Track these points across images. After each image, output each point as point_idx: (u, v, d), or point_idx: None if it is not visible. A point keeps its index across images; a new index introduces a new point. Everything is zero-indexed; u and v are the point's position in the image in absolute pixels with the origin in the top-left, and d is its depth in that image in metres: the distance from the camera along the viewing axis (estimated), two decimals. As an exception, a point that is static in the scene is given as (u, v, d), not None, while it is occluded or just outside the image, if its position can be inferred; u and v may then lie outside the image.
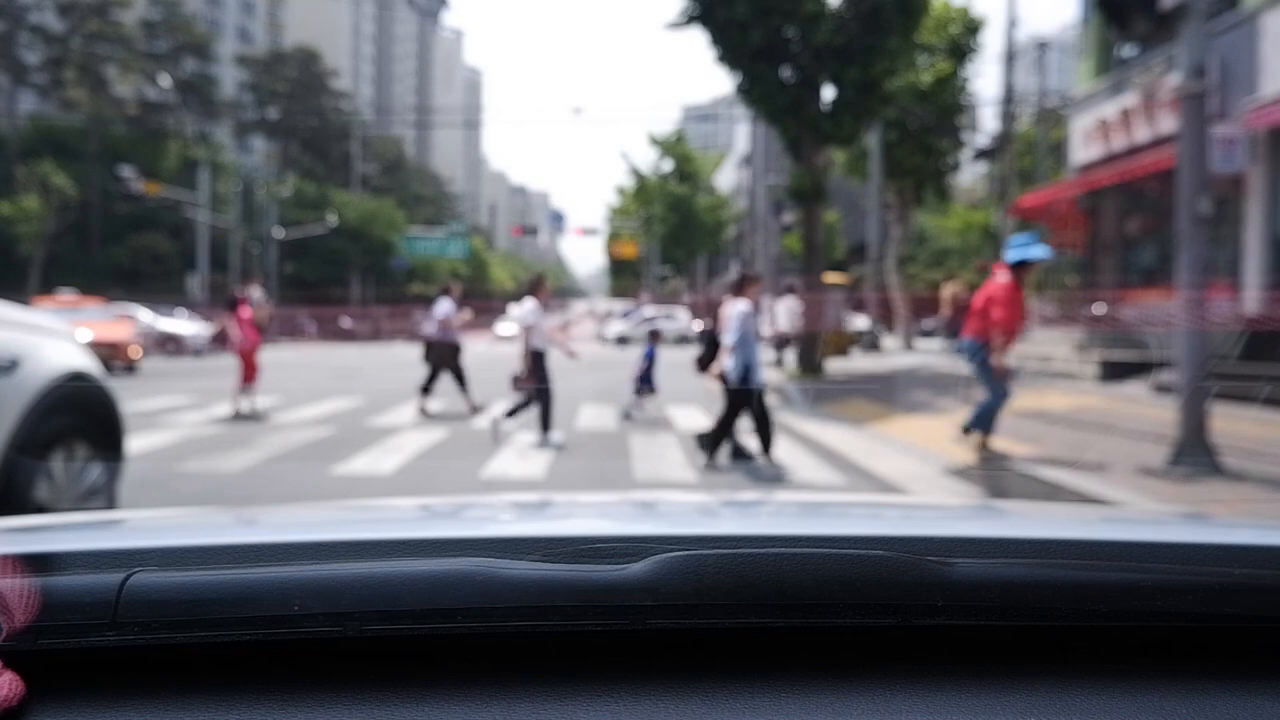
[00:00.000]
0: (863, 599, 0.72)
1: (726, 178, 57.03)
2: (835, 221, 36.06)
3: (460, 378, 10.98)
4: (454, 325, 11.04)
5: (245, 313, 10.93)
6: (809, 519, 1.22)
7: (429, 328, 11.27)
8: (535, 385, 8.76)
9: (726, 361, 7.40)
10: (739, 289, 7.76)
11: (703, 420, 10.67)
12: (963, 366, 7.90)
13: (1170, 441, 6.42)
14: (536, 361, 8.91)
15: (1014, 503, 4.11)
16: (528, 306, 9.00)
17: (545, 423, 8.59)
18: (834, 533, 0.95)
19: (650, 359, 10.80)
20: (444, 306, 11.12)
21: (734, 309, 7.51)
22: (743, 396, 7.37)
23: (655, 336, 11.50)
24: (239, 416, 10.40)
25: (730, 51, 14.75)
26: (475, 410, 10.69)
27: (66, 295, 22.92)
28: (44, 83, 51.91)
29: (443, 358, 10.91)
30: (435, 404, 11.16)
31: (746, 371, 7.39)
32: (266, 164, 68.56)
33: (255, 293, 11.22)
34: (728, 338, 7.43)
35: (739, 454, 7.62)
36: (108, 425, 3.70)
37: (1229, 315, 11.08)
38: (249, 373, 10.77)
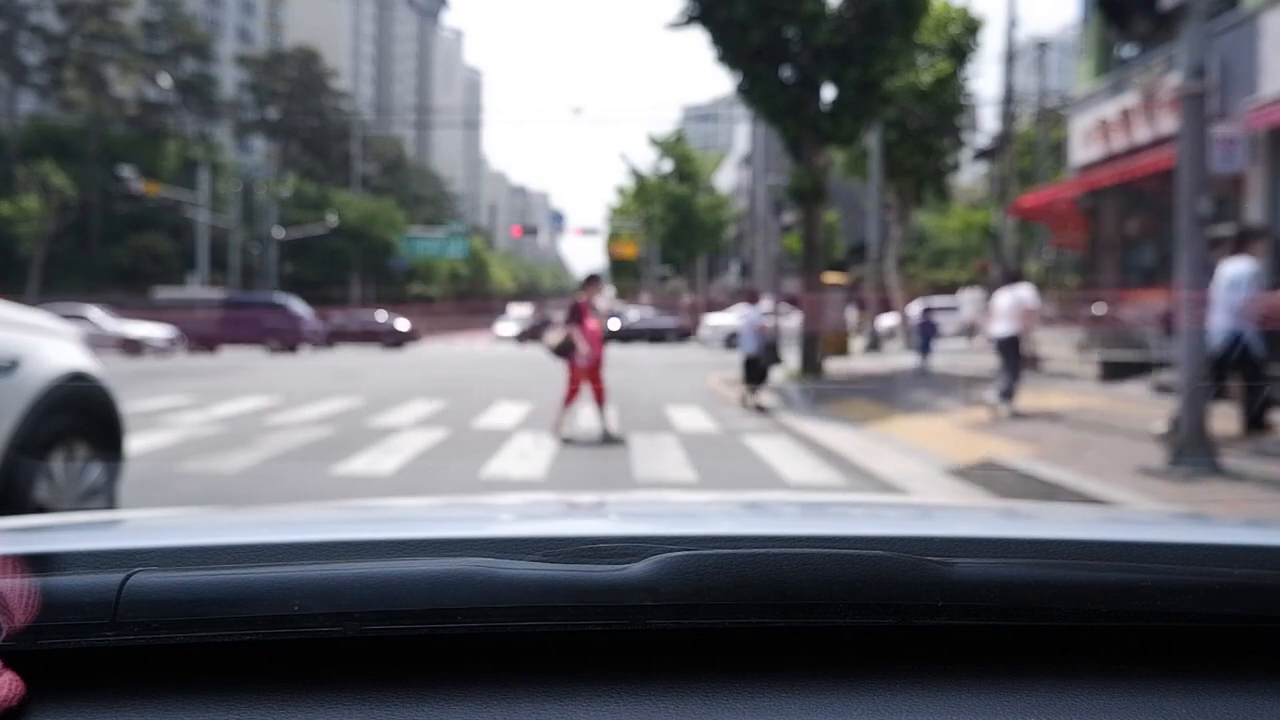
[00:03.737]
0: (863, 599, 0.72)
1: (726, 178, 57.02)
2: (835, 221, 36.02)
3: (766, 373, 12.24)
4: (767, 329, 12.53)
5: (591, 322, 9.28)
6: (809, 519, 1.22)
7: (746, 331, 12.39)
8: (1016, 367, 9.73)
9: (1216, 321, 6.82)
10: (1240, 245, 7.07)
11: (703, 420, 10.68)
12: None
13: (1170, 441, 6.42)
14: (1013, 345, 9.72)
15: (1014, 503, 4.11)
16: (1024, 293, 9.79)
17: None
18: (834, 533, 0.95)
19: None
20: (756, 314, 12.53)
21: (1232, 268, 6.85)
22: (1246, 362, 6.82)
23: None
24: (610, 439, 8.92)
25: (730, 51, 14.75)
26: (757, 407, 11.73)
27: None
28: (44, 83, 51.91)
29: (773, 356, 12.48)
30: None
31: (1238, 338, 6.76)
32: (266, 164, 68.54)
33: (599, 300, 9.65)
34: (1229, 296, 6.77)
35: (1259, 424, 6.95)
36: (108, 425, 3.71)
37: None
38: (593, 389, 9.23)
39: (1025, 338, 9.78)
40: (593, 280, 9.95)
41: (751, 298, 12.97)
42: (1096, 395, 11.28)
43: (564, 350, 9.20)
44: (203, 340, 28.30)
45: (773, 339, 12.53)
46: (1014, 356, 9.67)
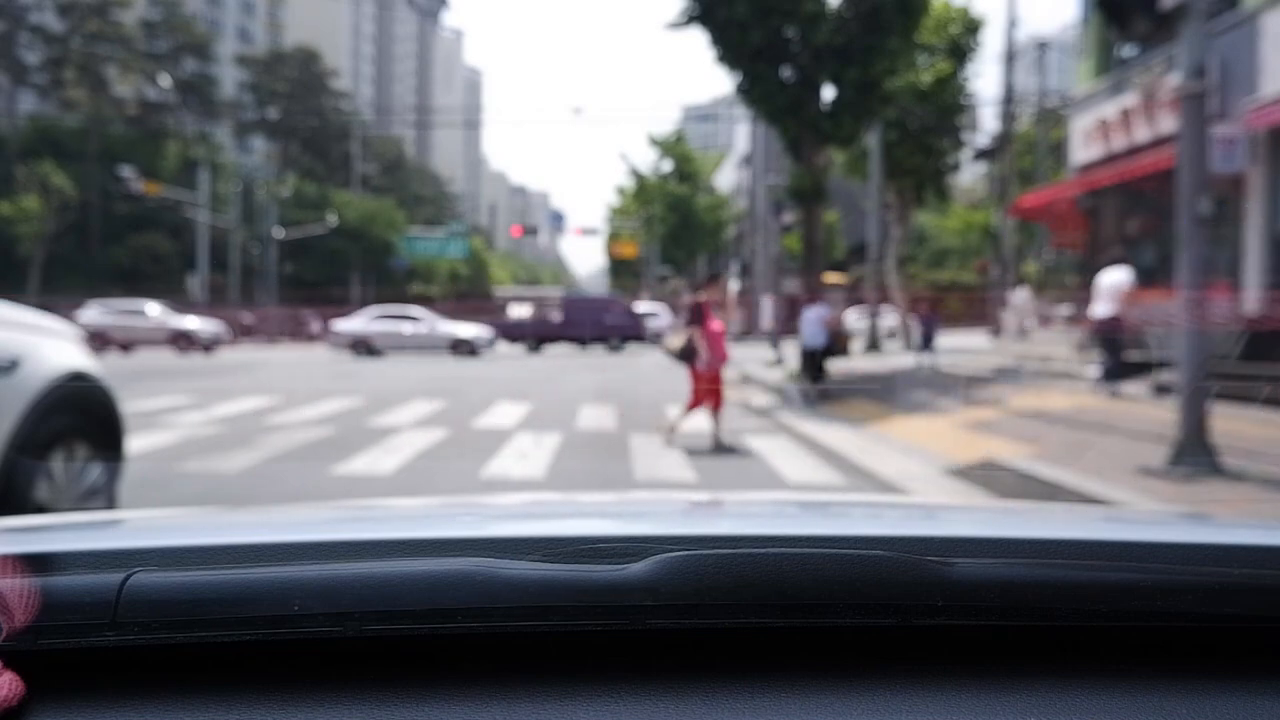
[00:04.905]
0: (863, 599, 0.72)
1: (726, 178, 57.02)
2: (835, 221, 36.06)
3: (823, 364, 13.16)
4: (830, 323, 13.19)
5: (715, 324, 8.63)
6: (809, 519, 1.22)
7: (809, 327, 12.85)
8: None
9: None
10: None
11: (702, 420, 10.66)
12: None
13: (1170, 441, 6.41)
14: (1114, 326, 10.46)
15: (1014, 503, 4.11)
16: (1123, 275, 10.47)
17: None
18: (834, 533, 0.95)
19: None
20: (821, 310, 13.22)
21: None
22: None
23: None
24: (721, 448, 8.32)
25: (730, 51, 14.77)
26: (816, 386, 12.42)
27: None
28: (44, 83, 51.97)
29: (840, 349, 14.21)
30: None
31: None
32: (266, 164, 68.56)
33: (718, 293, 8.79)
34: None
35: None
36: (108, 425, 3.70)
37: (1229, 315, 11.07)
38: (712, 396, 8.60)
39: (1124, 320, 10.23)
40: (714, 278, 9.42)
41: (814, 298, 13.71)
42: (1096, 395, 11.27)
43: (686, 354, 8.63)
44: (537, 337, 29.16)
45: (837, 332, 13.59)
46: (1115, 338, 10.09)
